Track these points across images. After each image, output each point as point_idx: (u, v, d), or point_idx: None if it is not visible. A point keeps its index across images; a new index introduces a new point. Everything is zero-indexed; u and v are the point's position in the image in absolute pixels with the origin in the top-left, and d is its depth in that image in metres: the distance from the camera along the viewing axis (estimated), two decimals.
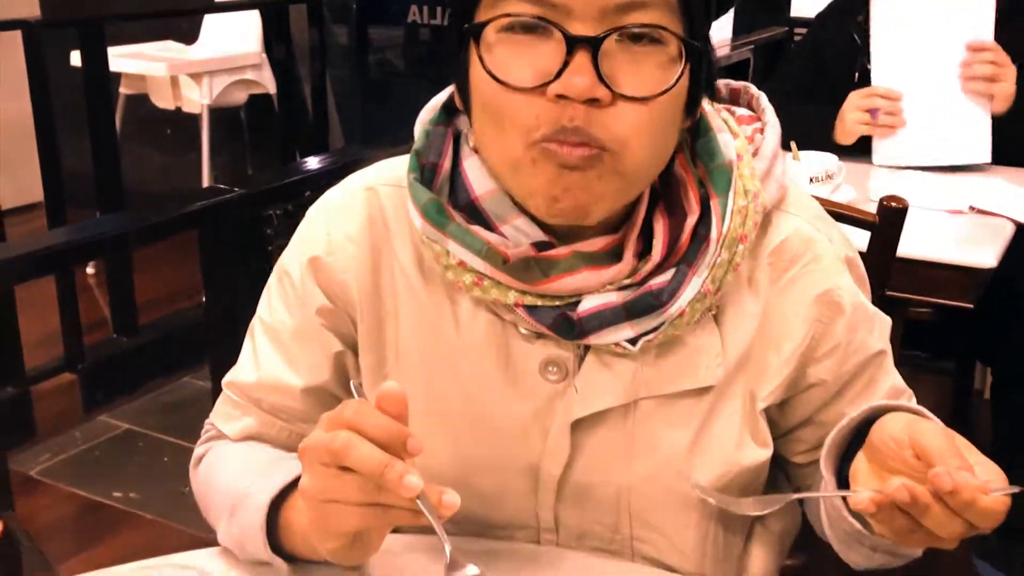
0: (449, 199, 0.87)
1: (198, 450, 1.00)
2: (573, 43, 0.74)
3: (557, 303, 0.84)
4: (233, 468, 0.92)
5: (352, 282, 0.91)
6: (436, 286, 0.90)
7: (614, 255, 0.84)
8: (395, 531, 0.79)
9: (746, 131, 0.89)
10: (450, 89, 0.89)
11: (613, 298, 0.83)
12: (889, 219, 1.42)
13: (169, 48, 3.98)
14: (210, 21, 4.04)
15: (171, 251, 3.64)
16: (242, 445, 0.96)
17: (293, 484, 0.81)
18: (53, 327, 2.88)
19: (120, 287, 3.10)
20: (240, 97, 3.92)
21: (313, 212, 0.96)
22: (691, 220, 0.84)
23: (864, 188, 1.93)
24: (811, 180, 1.83)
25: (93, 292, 3.67)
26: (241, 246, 1.81)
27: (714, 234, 0.83)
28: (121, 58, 3.52)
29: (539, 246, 0.83)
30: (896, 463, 0.74)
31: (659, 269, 0.83)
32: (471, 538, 0.89)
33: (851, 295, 0.90)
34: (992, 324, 2.11)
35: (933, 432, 0.73)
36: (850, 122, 2.12)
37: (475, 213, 0.85)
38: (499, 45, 0.78)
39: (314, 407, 0.94)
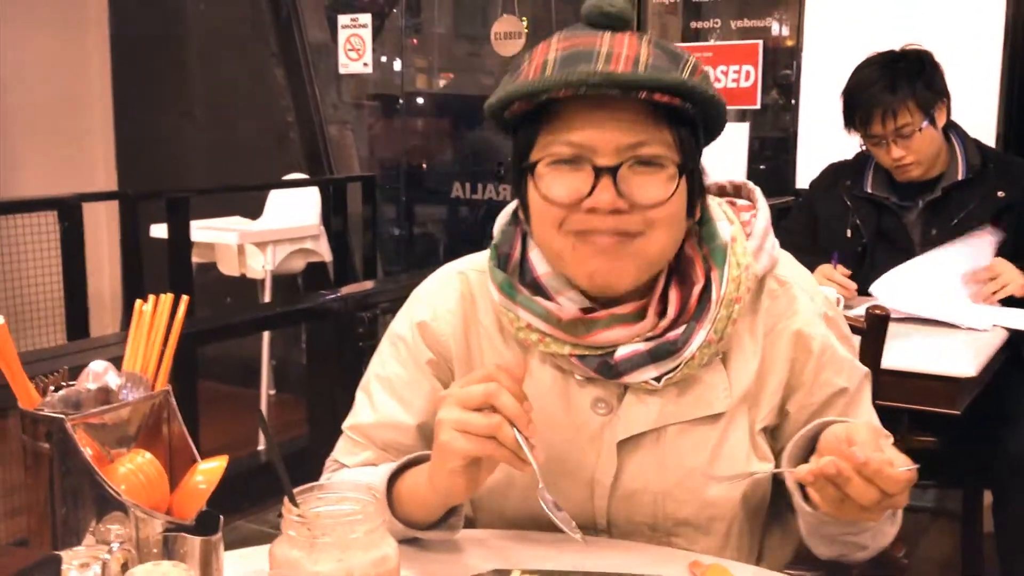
0: (519, 278, 1.18)
1: (323, 479, 1.27)
2: (599, 171, 1.06)
3: (599, 352, 1.13)
4: (356, 474, 1.20)
5: (451, 342, 1.22)
6: (511, 344, 1.19)
7: (640, 315, 1.13)
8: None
9: (744, 216, 1.19)
10: (516, 202, 1.21)
11: (640, 347, 1.12)
12: (874, 324, 1.71)
13: (237, 222, 4.42)
14: (274, 196, 4.49)
15: (230, 405, 3.94)
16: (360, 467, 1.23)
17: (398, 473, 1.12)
18: None
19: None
20: (299, 264, 4.31)
21: (419, 291, 1.27)
22: (697, 288, 1.13)
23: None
24: None
25: None
26: (339, 339, 2.14)
27: (714, 297, 1.12)
28: (198, 229, 3.92)
29: (585, 311, 1.13)
30: (835, 455, 0.98)
31: (674, 324, 1.13)
32: (543, 532, 1.15)
33: (821, 341, 1.17)
34: (988, 445, 2.33)
35: (861, 428, 0.99)
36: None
37: (538, 288, 1.16)
38: (547, 174, 1.10)
39: (418, 441, 1.22)
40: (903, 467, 0.94)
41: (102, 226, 4.52)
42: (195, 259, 4.30)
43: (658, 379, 1.12)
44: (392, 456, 1.22)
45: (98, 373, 0.98)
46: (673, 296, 1.14)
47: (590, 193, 1.06)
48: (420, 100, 4.87)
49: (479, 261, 1.25)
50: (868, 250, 2.59)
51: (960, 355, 2.02)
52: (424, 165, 4.78)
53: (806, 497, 1.04)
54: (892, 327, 1.76)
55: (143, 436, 0.96)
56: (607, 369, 1.13)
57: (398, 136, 4.82)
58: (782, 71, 3.81)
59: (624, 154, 1.06)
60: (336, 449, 1.28)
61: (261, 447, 3.80)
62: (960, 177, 2.53)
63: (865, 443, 0.95)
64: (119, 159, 5.17)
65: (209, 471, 0.93)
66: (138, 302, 0.98)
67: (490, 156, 4.55)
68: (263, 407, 4.11)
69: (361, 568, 0.84)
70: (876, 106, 2.43)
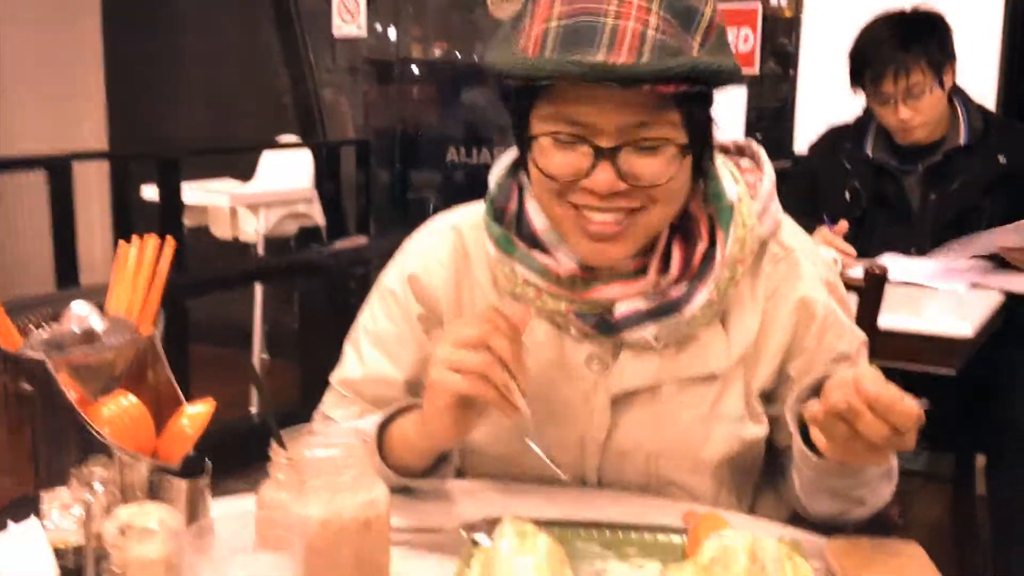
0: (515, 231, 1.15)
1: None
2: (599, 152, 1.02)
3: (598, 309, 1.11)
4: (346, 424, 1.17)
5: (441, 296, 1.19)
6: (506, 300, 1.17)
7: (641, 272, 1.11)
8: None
9: (748, 179, 1.17)
10: (514, 152, 1.17)
11: (640, 304, 1.10)
12: (872, 283, 1.70)
13: (229, 184, 4.38)
14: (267, 159, 4.45)
15: (221, 370, 3.93)
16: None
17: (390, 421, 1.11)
18: None
19: None
20: (291, 228, 4.28)
21: (410, 243, 1.25)
22: (701, 247, 1.11)
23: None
24: None
25: None
26: (331, 296, 2.12)
27: (719, 257, 1.10)
28: (189, 191, 3.88)
29: (583, 267, 1.11)
30: (844, 392, 0.96)
31: (676, 283, 1.10)
32: (534, 483, 1.14)
33: (824, 306, 1.15)
34: (982, 408, 2.33)
35: (869, 372, 0.96)
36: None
37: (535, 242, 1.13)
38: (547, 147, 1.05)
39: (407, 396, 1.19)
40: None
41: (92, 186, 4.47)
42: (187, 222, 4.26)
43: (656, 337, 1.11)
44: (379, 408, 1.20)
45: (81, 316, 0.96)
46: (676, 254, 1.11)
47: (589, 172, 1.02)
48: (415, 67, 4.82)
49: (474, 214, 1.22)
50: (867, 214, 2.56)
51: (957, 315, 2.01)
52: (419, 131, 4.73)
53: (810, 446, 1.02)
54: (889, 288, 1.75)
55: (128, 380, 0.94)
56: (606, 326, 1.11)
57: (393, 102, 4.78)
58: (780, 39, 3.77)
59: (626, 135, 1.02)
60: (324, 402, 1.26)
61: (253, 409, 3.78)
62: (962, 142, 2.50)
63: (874, 381, 0.93)
64: (110, 118, 5.11)
65: (196, 415, 0.91)
66: (122, 243, 0.96)
67: (485, 121, 4.51)
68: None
69: (350, 510, 0.82)
70: (888, 63, 2.40)
